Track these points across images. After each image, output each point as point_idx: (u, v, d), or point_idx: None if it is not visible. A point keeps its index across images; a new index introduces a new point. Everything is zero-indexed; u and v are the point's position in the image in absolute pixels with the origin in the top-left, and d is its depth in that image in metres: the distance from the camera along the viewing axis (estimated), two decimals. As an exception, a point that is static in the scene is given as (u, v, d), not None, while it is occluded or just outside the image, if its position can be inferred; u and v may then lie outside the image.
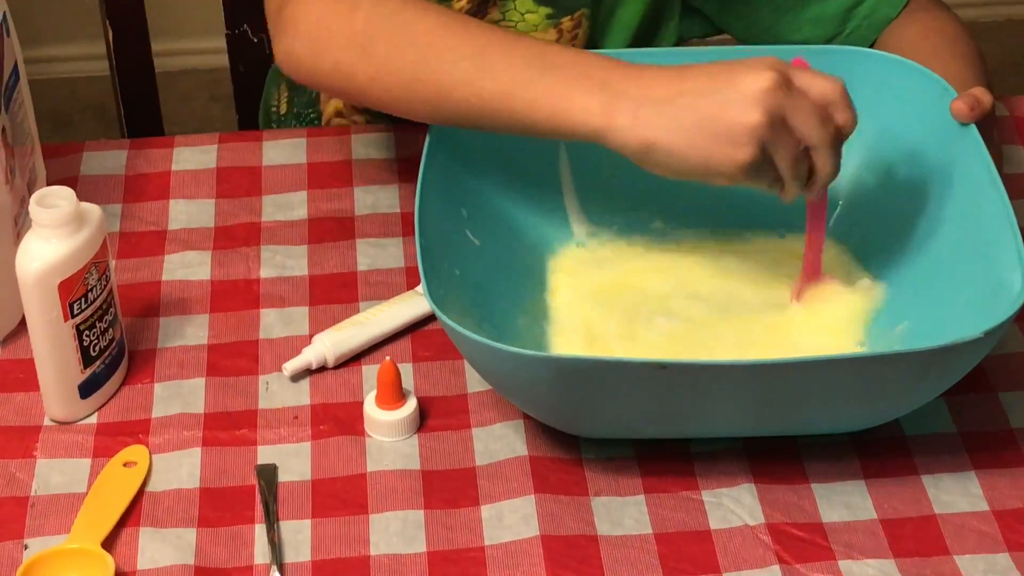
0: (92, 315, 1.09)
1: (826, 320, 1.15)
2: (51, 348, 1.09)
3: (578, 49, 1.12)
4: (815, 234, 1.14)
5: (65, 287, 1.06)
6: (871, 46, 1.32)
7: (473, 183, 1.18)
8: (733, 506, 1.05)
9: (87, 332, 1.09)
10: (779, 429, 1.07)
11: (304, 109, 1.45)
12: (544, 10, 1.34)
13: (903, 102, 1.18)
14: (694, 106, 1.02)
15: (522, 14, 1.34)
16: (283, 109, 1.47)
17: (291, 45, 1.16)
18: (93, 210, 1.09)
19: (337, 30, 1.14)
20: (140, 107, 1.62)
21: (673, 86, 1.03)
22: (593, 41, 1.37)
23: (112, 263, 1.12)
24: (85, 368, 1.10)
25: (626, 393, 1.02)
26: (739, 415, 1.05)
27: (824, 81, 1.03)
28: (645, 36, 1.39)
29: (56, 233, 1.06)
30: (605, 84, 1.05)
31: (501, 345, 0.99)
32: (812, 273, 1.15)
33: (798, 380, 1.00)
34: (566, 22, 1.34)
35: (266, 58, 1.56)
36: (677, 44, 1.41)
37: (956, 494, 1.06)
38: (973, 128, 1.13)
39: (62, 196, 1.07)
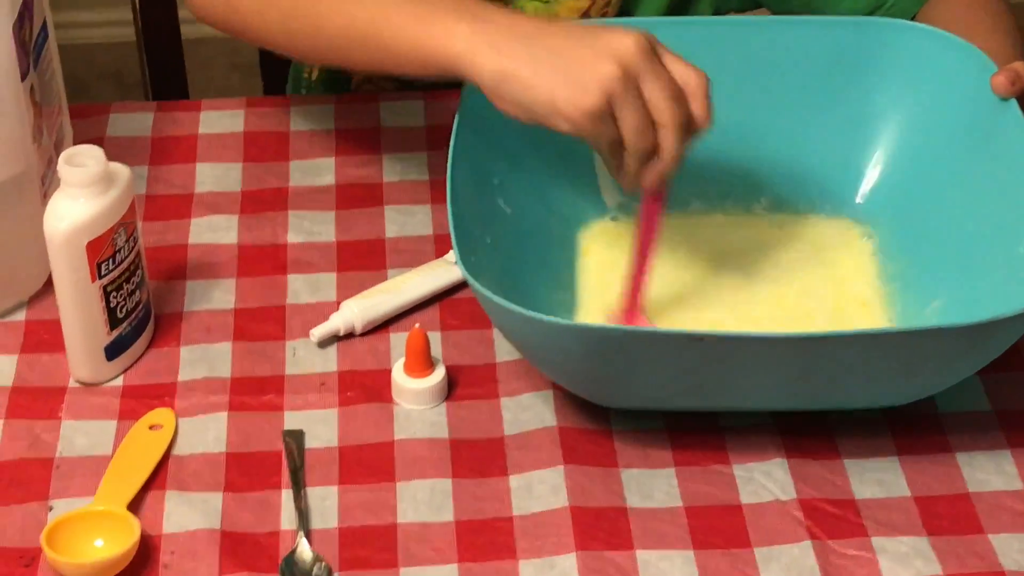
0: (119, 276, 1.08)
1: (851, 294, 1.15)
2: (78, 309, 1.08)
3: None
4: (644, 247, 1.10)
5: (93, 247, 1.05)
6: (913, 18, 1.31)
7: (504, 152, 1.17)
8: (764, 481, 1.04)
9: (114, 293, 1.08)
10: (813, 404, 1.06)
11: (336, 73, 1.43)
12: None
13: (943, 76, 1.17)
14: (554, 45, 1.02)
15: None
16: (315, 75, 1.46)
17: None
18: (122, 170, 1.08)
19: None
20: (165, 73, 1.61)
21: (541, 27, 1.04)
22: (626, 11, 1.35)
23: (140, 225, 1.11)
24: (112, 330, 1.09)
25: (659, 365, 1.00)
26: (773, 389, 1.04)
27: (689, 69, 1.02)
28: (680, 6, 1.38)
29: (84, 193, 1.05)
30: (473, 14, 1.05)
31: (536, 314, 0.97)
32: (630, 304, 1.11)
33: (836, 354, 0.99)
34: None
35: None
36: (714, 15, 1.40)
37: (990, 472, 1.05)
38: (1013, 103, 1.12)
39: (91, 155, 1.05)
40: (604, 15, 1.34)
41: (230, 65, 2.76)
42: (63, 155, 1.05)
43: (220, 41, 2.69)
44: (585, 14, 1.33)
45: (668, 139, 1.01)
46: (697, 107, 1.02)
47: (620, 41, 1.00)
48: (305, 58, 1.17)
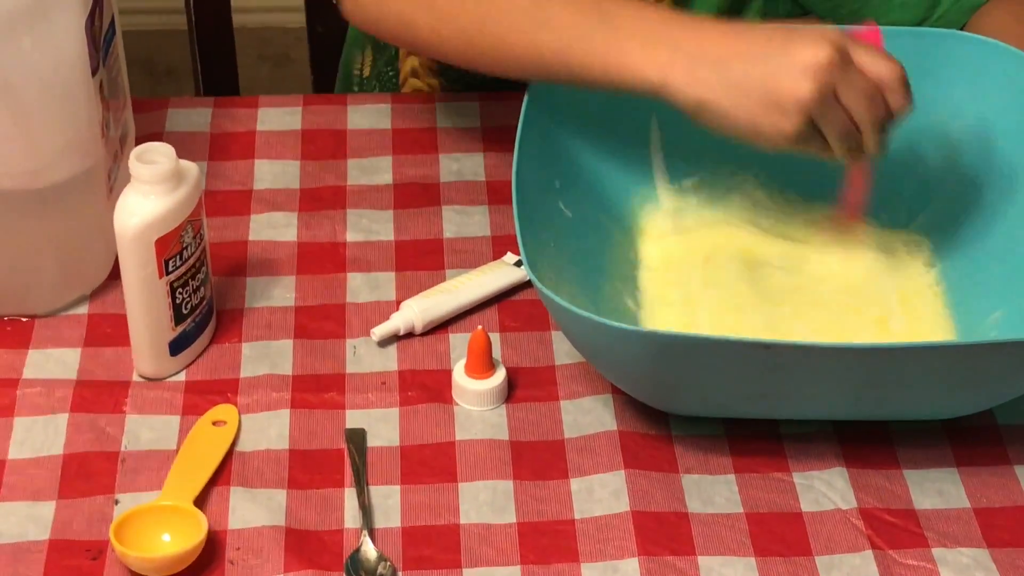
0: (185, 273, 1.08)
1: (911, 305, 1.15)
2: (144, 304, 1.08)
3: (636, 1, 1.09)
4: (855, 183, 1.14)
5: (161, 244, 1.06)
6: (966, 27, 1.31)
7: (565, 156, 1.17)
8: (825, 489, 1.04)
9: (180, 290, 1.08)
10: (873, 413, 1.06)
11: (385, 68, 1.44)
12: None
13: (1000, 87, 1.17)
14: (747, 71, 1.02)
15: None
16: (367, 72, 1.46)
17: None
18: (191, 168, 1.08)
19: None
20: (214, 65, 1.61)
21: (730, 46, 1.03)
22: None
23: (205, 222, 1.11)
24: (176, 326, 1.10)
25: (724, 372, 1.01)
26: (835, 398, 1.04)
27: (884, 62, 1.03)
28: (731, 12, 1.38)
29: (155, 189, 1.05)
30: (661, 39, 1.05)
31: (604, 320, 0.98)
32: (853, 207, 1.15)
33: (900, 365, 0.99)
34: None
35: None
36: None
37: None
38: None
39: (162, 153, 1.06)
40: None
41: (258, 56, 2.77)
42: (134, 152, 1.05)
43: (248, 31, 2.70)
44: None
45: (867, 138, 1.03)
46: (895, 100, 1.03)
47: (812, 55, 1.00)
48: (480, 70, 1.16)
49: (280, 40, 2.78)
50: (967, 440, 1.08)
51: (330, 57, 1.59)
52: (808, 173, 1.17)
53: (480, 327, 1.09)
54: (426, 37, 1.15)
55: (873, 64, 1.02)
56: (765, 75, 1.01)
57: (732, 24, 1.06)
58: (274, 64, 2.81)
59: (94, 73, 1.10)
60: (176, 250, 1.07)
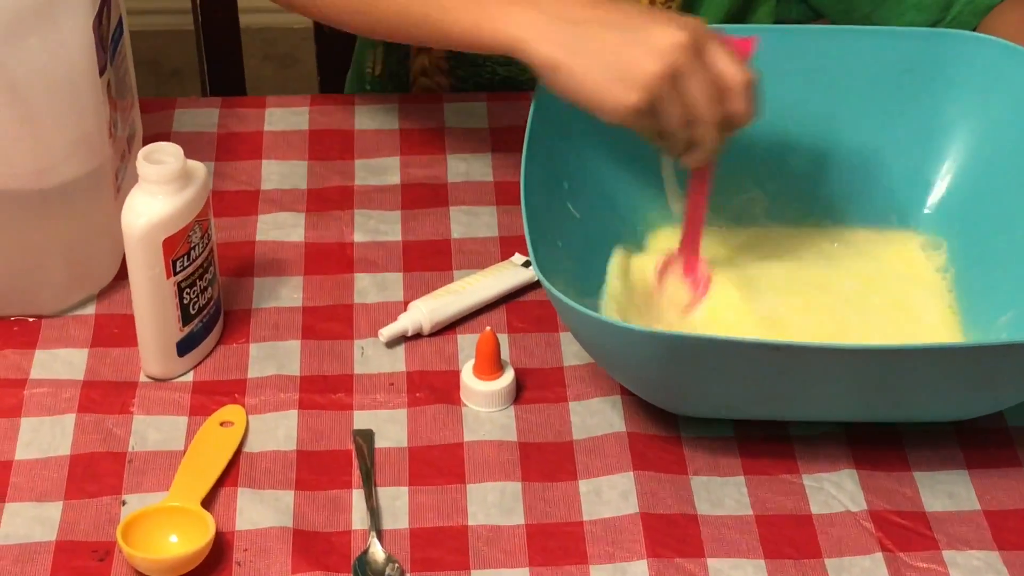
0: (193, 273, 1.08)
1: (919, 306, 1.14)
2: (152, 305, 1.08)
3: None
4: (694, 206, 1.12)
5: (169, 244, 1.05)
6: (978, 28, 1.30)
7: (574, 156, 1.17)
8: (834, 491, 1.04)
9: (188, 290, 1.08)
10: (883, 415, 1.06)
11: (396, 67, 1.44)
12: None
13: (1011, 88, 1.17)
14: (604, 37, 1.03)
15: None
16: (378, 70, 1.46)
17: None
18: (198, 168, 1.08)
19: None
20: (221, 65, 1.61)
21: (591, 12, 1.04)
22: (688, 10, 1.35)
23: (213, 222, 1.11)
24: (184, 326, 1.09)
25: (733, 373, 1.00)
26: (845, 400, 1.04)
27: (734, 66, 1.02)
28: (740, 13, 1.37)
29: (163, 189, 1.05)
30: (529, 5, 1.05)
31: (613, 320, 0.98)
32: (688, 251, 1.13)
33: (909, 366, 0.99)
34: None
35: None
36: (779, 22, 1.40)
37: None
38: None
39: (170, 152, 1.05)
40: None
41: (263, 56, 2.77)
42: (142, 152, 1.05)
43: (253, 31, 2.70)
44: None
45: (705, 134, 1.03)
46: (736, 105, 1.02)
47: (670, 38, 1.01)
48: (367, 35, 1.23)
49: (285, 40, 2.78)
50: (977, 442, 1.07)
51: (337, 57, 1.59)
52: (815, 186, 1.16)
53: (488, 328, 1.09)
54: (319, 6, 1.19)
55: (724, 65, 1.02)
56: (619, 45, 1.02)
57: None
58: (279, 64, 2.81)
59: (102, 73, 1.09)
60: (184, 250, 1.06)
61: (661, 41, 1.01)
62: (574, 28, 1.04)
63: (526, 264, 1.18)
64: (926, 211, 1.19)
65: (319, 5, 1.20)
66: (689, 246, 1.13)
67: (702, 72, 1.01)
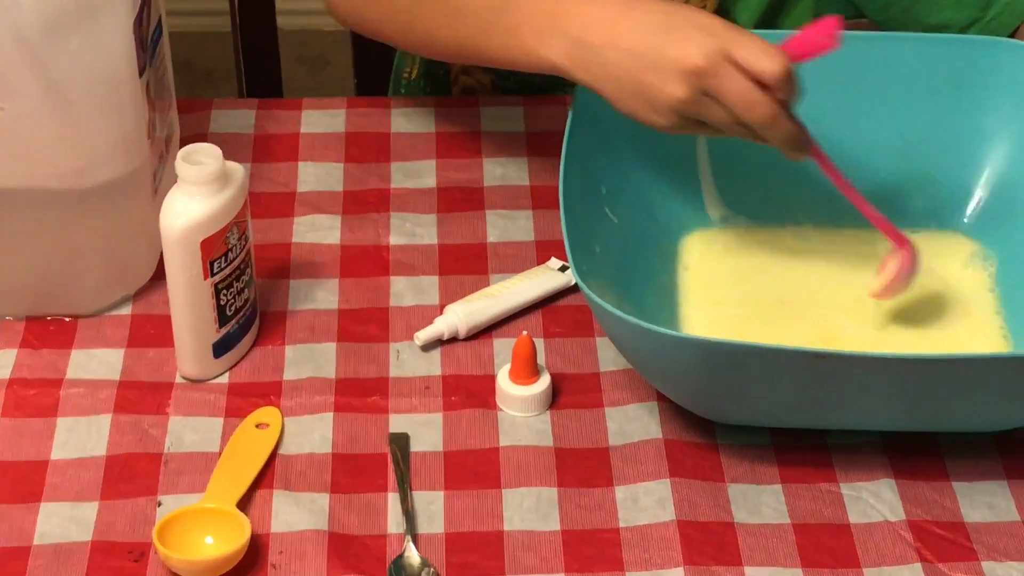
0: (230, 275, 1.07)
1: (963, 314, 1.14)
2: (189, 306, 1.07)
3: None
4: (844, 189, 1.10)
5: (207, 245, 1.05)
6: (1012, 36, 1.29)
7: (611, 161, 1.16)
8: (873, 501, 1.03)
9: (224, 291, 1.08)
10: (923, 425, 1.05)
11: (436, 66, 1.44)
12: None
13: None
14: (621, 63, 1.03)
15: None
16: (414, 74, 1.45)
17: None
18: (237, 169, 1.07)
19: None
20: (257, 67, 1.60)
21: (608, 31, 1.04)
22: (725, 8, 1.34)
23: (250, 224, 1.10)
24: (220, 327, 1.09)
25: (773, 381, 0.99)
26: (885, 409, 1.03)
27: (764, 59, 1.00)
28: (778, 9, 1.36)
29: (201, 191, 1.04)
30: (551, 23, 1.06)
31: (651, 325, 0.97)
32: (883, 227, 1.11)
33: (951, 376, 0.98)
34: None
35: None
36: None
37: None
38: None
39: (209, 154, 1.05)
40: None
41: (296, 59, 2.76)
42: (181, 152, 1.04)
43: (287, 34, 2.71)
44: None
45: (761, 134, 1.02)
46: (782, 94, 1.01)
47: (685, 56, 1.00)
48: (411, 51, 1.30)
49: (319, 43, 2.77)
50: (1017, 453, 1.06)
51: (372, 61, 1.58)
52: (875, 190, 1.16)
53: (525, 332, 1.08)
54: (375, 29, 1.25)
55: (756, 61, 1.00)
56: (637, 71, 1.02)
57: (621, 4, 1.05)
58: (312, 67, 2.80)
59: (141, 73, 1.09)
60: (221, 251, 1.06)
61: (679, 63, 1.00)
62: (595, 55, 1.04)
63: (562, 268, 1.17)
64: (966, 219, 1.19)
65: (368, 23, 1.24)
66: (878, 223, 1.11)
67: (734, 77, 1.00)
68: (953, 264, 1.16)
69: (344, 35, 1.62)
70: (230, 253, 1.07)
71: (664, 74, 1.00)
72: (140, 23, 1.08)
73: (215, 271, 1.06)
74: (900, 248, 1.11)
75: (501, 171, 1.29)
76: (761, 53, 1.00)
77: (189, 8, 2.68)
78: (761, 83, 1.00)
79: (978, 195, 1.18)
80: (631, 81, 1.02)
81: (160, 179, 1.15)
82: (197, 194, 1.04)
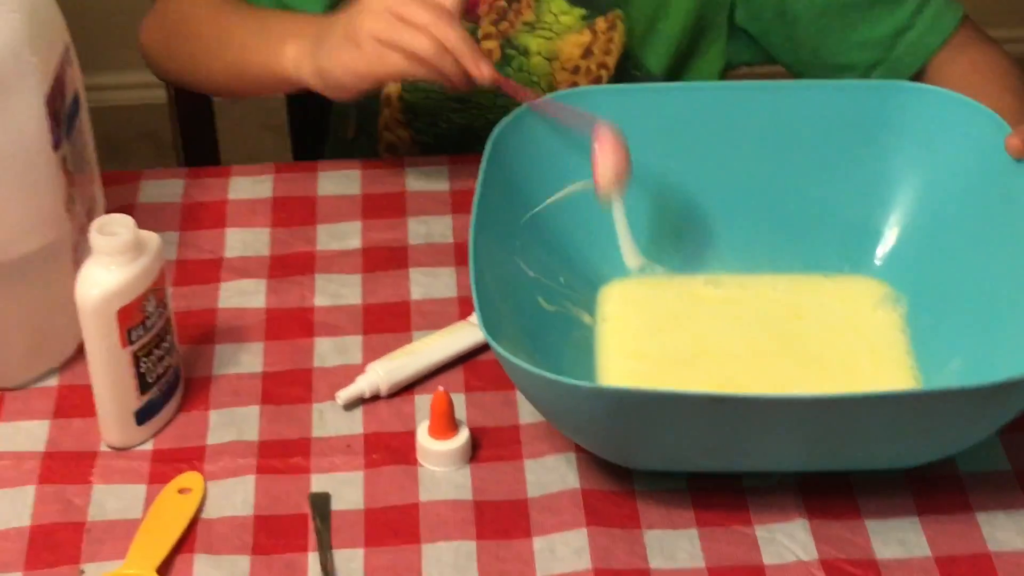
0: (150, 342, 1.08)
1: (874, 354, 1.14)
2: (108, 374, 1.08)
3: (294, 16, 1.32)
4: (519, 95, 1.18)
5: (124, 314, 1.06)
6: (915, 78, 1.31)
7: (526, 214, 1.17)
8: (787, 541, 1.03)
9: (144, 359, 1.08)
10: (833, 464, 1.05)
11: (367, 125, 1.47)
12: (578, 11, 1.35)
13: (956, 137, 1.17)
14: (334, 31, 1.21)
15: (556, 15, 1.36)
16: (351, 133, 1.48)
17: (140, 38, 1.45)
18: (152, 238, 1.08)
19: (154, 26, 1.44)
20: (197, 136, 1.62)
21: (330, 23, 1.23)
22: (633, 53, 1.36)
23: (169, 291, 1.11)
24: (142, 394, 1.09)
25: (681, 426, 1.00)
26: (793, 449, 1.03)
27: None
28: (689, 54, 1.39)
29: (115, 260, 1.05)
30: (293, 36, 1.26)
31: (558, 377, 0.97)
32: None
33: (856, 415, 0.98)
34: (600, 23, 1.35)
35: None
36: (725, 68, 1.41)
37: (1011, 532, 1.04)
38: None
39: (121, 224, 1.06)
40: (607, 52, 1.36)
41: (261, 126, 2.77)
42: (94, 224, 1.05)
43: (252, 103, 2.72)
44: (587, 50, 1.36)
45: (440, 33, 1.16)
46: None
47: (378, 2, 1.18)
48: (215, 93, 1.51)
49: (281, 110, 2.79)
50: (928, 489, 1.07)
51: (310, 124, 1.59)
52: (766, 234, 1.18)
53: (441, 388, 1.09)
54: (167, 69, 1.44)
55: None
56: (344, 26, 1.20)
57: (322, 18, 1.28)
58: (277, 133, 2.80)
59: (56, 148, 1.10)
60: (139, 319, 1.07)
61: (368, 6, 1.18)
62: (319, 39, 1.22)
63: (484, 323, 1.18)
64: (876, 261, 1.19)
65: (162, 65, 1.43)
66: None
67: (415, 7, 1.16)
68: (864, 307, 1.17)
69: (279, 101, 1.64)
70: (148, 321, 1.07)
71: (359, 17, 1.18)
72: (53, 99, 1.09)
73: (133, 339, 1.07)
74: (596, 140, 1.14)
75: (426, 229, 1.30)
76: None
77: (153, 80, 2.69)
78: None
79: (887, 238, 1.19)
80: (339, 36, 1.20)
81: (81, 252, 1.15)
82: (112, 264, 1.05)
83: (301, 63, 1.24)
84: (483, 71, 1.16)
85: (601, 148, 1.13)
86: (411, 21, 1.16)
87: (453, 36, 1.15)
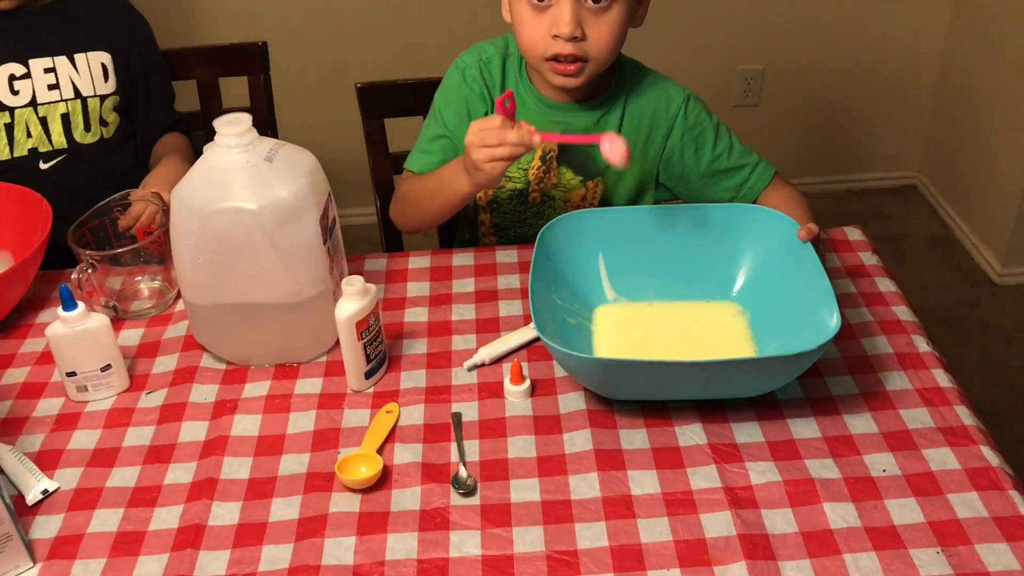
0: (371, 339, 1.10)
1: (732, 340, 1.13)
2: (351, 353, 1.10)
3: (446, 167, 1.24)
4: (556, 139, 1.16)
5: (358, 325, 1.08)
6: (754, 202, 1.30)
7: (556, 274, 1.16)
8: (691, 434, 1.03)
9: (368, 347, 1.10)
10: (714, 395, 1.05)
11: (471, 236, 1.42)
12: (578, 178, 1.32)
13: (775, 230, 1.16)
14: (467, 163, 1.16)
15: (567, 179, 1.33)
16: (465, 237, 1.43)
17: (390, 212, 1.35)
18: (372, 286, 1.10)
19: (396, 204, 1.32)
20: (391, 241, 1.53)
21: (463, 161, 1.17)
22: (607, 198, 1.34)
23: (380, 313, 1.13)
24: (367, 364, 1.11)
25: (637, 377, 1.00)
26: (693, 388, 1.03)
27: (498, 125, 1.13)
28: (638, 197, 1.37)
29: (354, 299, 1.08)
30: (456, 175, 1.19)
31: (574, 352, 0.98)
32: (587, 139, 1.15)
33: (725, 370, 0.98)
34: (590, 184, 1.32)
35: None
36: (656, 201, 1.38)
37: (804, 427, 1.03)
38: (809, 245, 1.11)
39: (356, 280, 1.07)
40: (595, 197, 1.32)
41: (423, 236, 2.57)
42: (344, 281, 1.08)
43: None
44: (583, 196, 1.31)
45: (505, 137, 1.12)
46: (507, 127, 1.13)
47: (468, 146, 1.14)
48: (431, 226, 1.33)
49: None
50: (762, 407, 1.06)
51: (445, 232, 1.53)
52: (672, 277, 1.15)
53: (515, 359, 1.10)
54: (407, 221, 1.32)
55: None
56: (466, 160, 1.15)
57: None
58: (418, 236, 2.67)
59: (324, 243, 1.12)
60: (365, 327, 1.09)
61: (469, 145, 1.13)
62: (463, 170, 1.17)
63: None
64: (733, 293, 1.18)
65: (406, 222, 1.32)
66: (585, 140, 1.15)
67: (487, 130, 1.12)
68: (727, 316, 1.16)
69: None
70: (370, 328, 1.10)
71: (469, 152, 1.14)
72: (323, 219, 1.12)
73: (363, 337, 1.09)
74: (603, 139, 1.10)
75: (507, 281, 1.26)
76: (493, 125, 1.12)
77: (359, 211, 2.63)
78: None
79: (738, 281, 1.18)
80: (470, 167, 1.15)
81: (338, 294, 1.18)
82: (353, 299, 1.08)
83: (466, 184, 1.20)
84: (535, 140, 1.12)
85: (611, 140, 1.11)
86: (489, 143, 1.13)
87: (512, 135, 1.12)
